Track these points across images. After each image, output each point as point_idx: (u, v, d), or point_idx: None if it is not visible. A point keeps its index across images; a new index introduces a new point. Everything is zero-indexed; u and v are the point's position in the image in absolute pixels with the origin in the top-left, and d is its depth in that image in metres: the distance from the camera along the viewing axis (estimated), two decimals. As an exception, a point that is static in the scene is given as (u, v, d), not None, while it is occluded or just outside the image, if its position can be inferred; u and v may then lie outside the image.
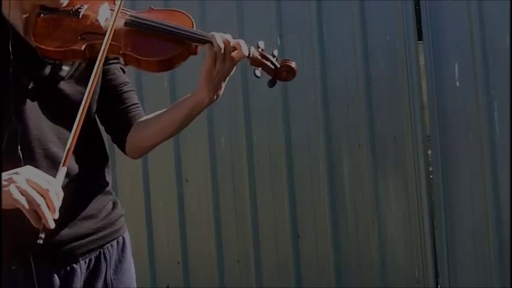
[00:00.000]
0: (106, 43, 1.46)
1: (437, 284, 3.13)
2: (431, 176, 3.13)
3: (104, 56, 1.46)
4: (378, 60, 3.18)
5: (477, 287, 3.04)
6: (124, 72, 1.72)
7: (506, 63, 2.93)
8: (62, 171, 1.36)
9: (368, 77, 3.19)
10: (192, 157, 3.49)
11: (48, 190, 1.30)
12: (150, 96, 3.42)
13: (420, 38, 3.17)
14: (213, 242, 3.45)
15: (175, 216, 3.52)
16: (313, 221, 3.30)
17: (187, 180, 3.51)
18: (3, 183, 1.31)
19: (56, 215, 1.31)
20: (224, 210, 3.45)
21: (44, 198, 1.29)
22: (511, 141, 2.92)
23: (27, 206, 1.28)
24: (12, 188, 1.29)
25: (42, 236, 1.29)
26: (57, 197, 1.31)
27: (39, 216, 1.29)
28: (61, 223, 1.50)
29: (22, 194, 1.29)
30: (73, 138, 1.38)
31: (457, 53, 3.05)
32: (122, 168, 3.50)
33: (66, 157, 1.37)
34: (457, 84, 3.06)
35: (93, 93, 1.57)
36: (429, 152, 3.15)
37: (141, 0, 3.06)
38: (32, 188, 1.30)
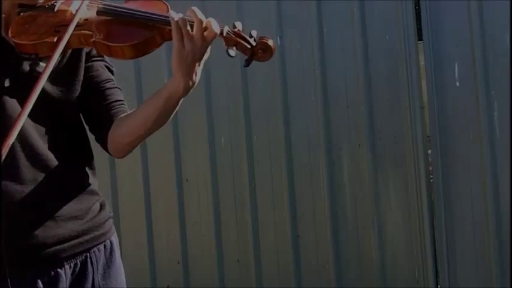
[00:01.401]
0: (71, 25, 1.45)
1: (437, 284, 3.13)
2: (431, 176, 3.13)
3: (67, 38, 1.44)
4: (377, 60, 3.18)
5: (477, 287, 3.04)
6: (111, 71, 1.68)
7: (506, 63, 2.92)
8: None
9: (368, 77, 3.19)
10: (192, 157, 3.49)
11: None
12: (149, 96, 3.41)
13: (420, 38, 3.17)
14: (213, 242, 3.45)
15: (175, 216, 3.52)
16: (313, 221, 3.30)
17: (187, 180, 3.51)
18: None
19: None
20: (224, 210, 3.45)
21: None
22: (511, 141, 2.92)
23: None
24: None
25: None
26: None
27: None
28: (41, 222, 1.49)
29: None
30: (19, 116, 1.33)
31: (457, 53, 3.05)
32: (121, 168, 3.50)
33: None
34: (457, 84, 3.06)
35: (73, 90, 1.57)
36: (429, 152, 3.15)
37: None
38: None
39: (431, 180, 3.13)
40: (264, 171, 3.37)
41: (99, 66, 1.65)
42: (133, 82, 3.41)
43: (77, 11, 1.48)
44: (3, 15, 1.52)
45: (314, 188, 3.29)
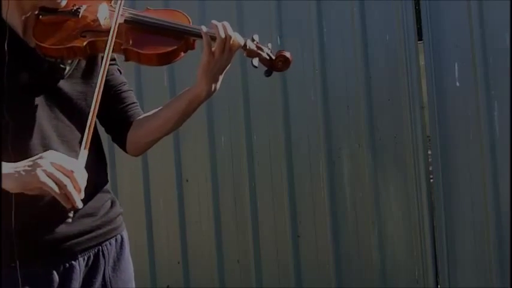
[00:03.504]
0: (111, 41, 1.49)
1: (437, 284, 3.13)
2: (431, 176, 3.13)
3: (110, 53, 1.50)
4: (377, 60, 3.18)
5: (477, 287, 3.04)
6: (121, 73, 1.76)
7: (506, 63, 2.93)
8: (84, 153, 1.40)
9: (368, 77, 3.19)
10: (192, 157, 3.49)
11: (72, 171, 1.34)
12: (150, 96, 3.42)
13: (420, 38, 3.17)
14: (213, 242, 3.45)
15: (175, 216, 3.52)
16: (313, 221, 3.30)
17: (187, 180, 3.51)
18: (27, 168, 1.35)
19: (82, 195, 1.36)
20: (224, 210, 3.45)
21: (70, 179, 1.34)
22: (511, 141, 2.92)
23: (55, 188, 1.33)
24: (39, 172, 1.33)
25: (71, 215, 1.37)
26: (82, 177, 1.36)
27: (67, 197, 1.33)
28: (59, 220, 1.54)
29: (49, 177, 1.33)
30: (91, 122, 1.43)
31: (457, 53, 3.05)
32: (122, 168, 3.51)
33: (87, 139, 1.41)
34: (457, 84, 3.06)
35: (90, 94, 1.60)
36: (429, 152, 3.15)
37: (141, 0, 3.06)
38: (58, 170, 1.34)
39: (431, 180, 3.13)
40: (264, 171, 3.37)
41: (113, 70, 1.72)
42: (133, 82, 3.41)
43: (116, 21, 1.52)
44: (22, 17, 1.55)
45: (314, 188, 3.29)
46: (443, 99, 3.07)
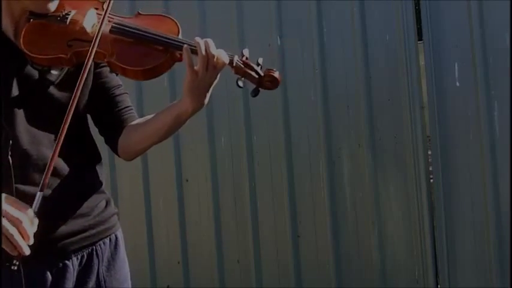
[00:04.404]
0: (91, 51, 1.47)
1: (437, 284, 3.13)
2: (431, 176, 3.13)
3: (90, 64, 1.47)
4: (377, 60, 3.18)
5: (477, 287, 3.04)
6: (117, 74, 1.73)
7: (506, 63, 2.93)
8: (39, 196, 1.38)
9: (368, 77, 3.19)
10: (192, 157, 3.49)
11: (19, 220, 1.33)
12: (150, 97, 3.42)
13: (420, 38, 3.17)
14: (213, 242, 3.45)
15: (175, 216, 3.52)
16: (313, 221, 3.30)
17: (187, 180, 3.51)
18: None
19: (31, 241, 1.34)
20: (224, 210, 3.45)
21: (16, 228, 1.33)
22: (511, 141, 2.92)
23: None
24: None
25: (17, 263, 1.34)
26: (30, 223, 1.35)
27: (13, 246, 1.32)
28: (54, 222, 1.56)
29: None
30: (53, 156, 1.40)
31: (457, 53, 3.05)
32: (122, 168, 3.50)
33: (43, 181, 1.39)
34: (457, 84, 3.06)
35: (81, 96, 1.60)
36: (429, 152, 3.15)
37: (141, 0, 3.06)
38: (4, 217, 1.33)
39: (431, 180, 3.13)
40: (264, 171, 3.37)
41: (107, 72, 1.69)
42: (133, 83, 3.41)
43: (98, 32, 1.49)
44: (13, 20, 1.54)
45: (314, 188, 3.29)
46: (443, 99, 3.07)
